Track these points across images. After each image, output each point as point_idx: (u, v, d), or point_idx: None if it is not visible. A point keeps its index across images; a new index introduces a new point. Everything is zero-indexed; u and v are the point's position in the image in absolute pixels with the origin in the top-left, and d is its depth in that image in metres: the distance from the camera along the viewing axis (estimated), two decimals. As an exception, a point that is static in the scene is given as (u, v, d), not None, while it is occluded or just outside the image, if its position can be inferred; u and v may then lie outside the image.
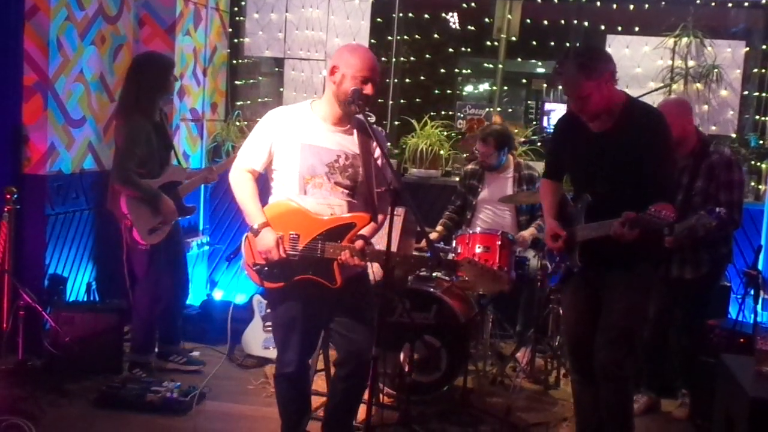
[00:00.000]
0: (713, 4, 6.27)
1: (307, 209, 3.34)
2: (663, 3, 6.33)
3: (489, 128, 5.55)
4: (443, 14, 7.42)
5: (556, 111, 6.69)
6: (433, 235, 5.39)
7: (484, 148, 5.39)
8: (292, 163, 3.35)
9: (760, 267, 5.07)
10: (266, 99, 6.97)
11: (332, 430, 3.60)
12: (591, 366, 3.58)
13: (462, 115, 6.63)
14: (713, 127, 6.14)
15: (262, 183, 3.49)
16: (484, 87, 10.56)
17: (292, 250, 3.31)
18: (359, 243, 3.29)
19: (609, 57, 3.48)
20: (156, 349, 5.00)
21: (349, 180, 3.37)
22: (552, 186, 3.82)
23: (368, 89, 3.28)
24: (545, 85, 8.87)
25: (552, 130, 4.19)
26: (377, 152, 3.42)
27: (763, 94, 6.21)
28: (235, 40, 6.84)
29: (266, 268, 3.35)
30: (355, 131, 3.39)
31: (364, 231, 3.36)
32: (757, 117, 6.25)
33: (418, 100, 7.20)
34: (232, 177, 3.46)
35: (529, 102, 10.45)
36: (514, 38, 6.74)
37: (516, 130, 6.32)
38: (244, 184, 3.42)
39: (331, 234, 3.31)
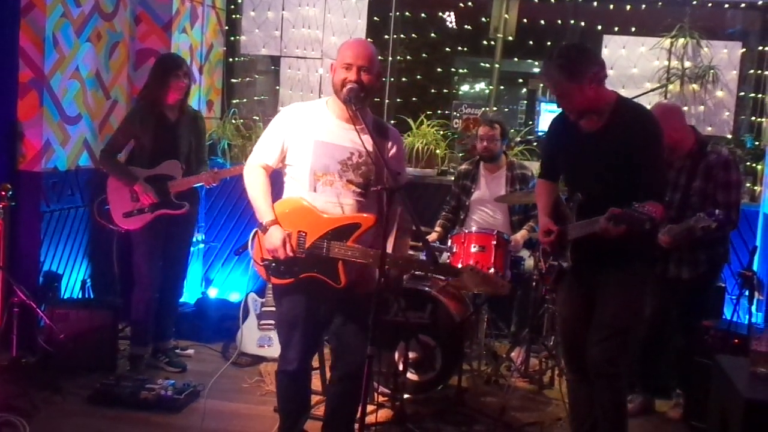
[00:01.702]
0: (710, 5, 6.28)
1: (315, 207, 3.32)
2: (660, 4, 6.33)
3: (492, 115, 5.54)
4: (440, 13, 7.41)
5: (552, 111, 6.69)
6: (432, 236, 5.40)
7: (491, 132, 5.36)
8: (304, 160, 3.32)
9: (755, 268, 5.09)
10: (262, 97, 6.97)
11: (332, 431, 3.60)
12: (586, 365, 3.57)
13: (458, 115, 6.63)
14: (709, 128, 6.13)
15: (275, 179, 3.47)
16: (480, 86, 10.58)
17: (300, 249, 3.30)
18: None
19: (593, 57, 3.43)
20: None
21: (362, 178, 3.34)
22: (547, 186, 3.82)
23: (352, 75, 3.23)
24: (541, 85, 8.87)
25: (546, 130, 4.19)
26: (392, 152, 3.40)
27: (759, 96, 6.21)
28: (232, 38, 6.83)
29: (273, 264, 3.35)
30: (369, 129, 3.30)
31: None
32: (753, 118, 6.24)
33: (414, 99, 7.20)
34: (246, 172, 3.44)
35: (524, 102, 10.48)
36: (510, 38, 6.74)
37: (511, 131, 6.32)
38: (257, 179, 3.39)
39: (337, 233, 3.29)
